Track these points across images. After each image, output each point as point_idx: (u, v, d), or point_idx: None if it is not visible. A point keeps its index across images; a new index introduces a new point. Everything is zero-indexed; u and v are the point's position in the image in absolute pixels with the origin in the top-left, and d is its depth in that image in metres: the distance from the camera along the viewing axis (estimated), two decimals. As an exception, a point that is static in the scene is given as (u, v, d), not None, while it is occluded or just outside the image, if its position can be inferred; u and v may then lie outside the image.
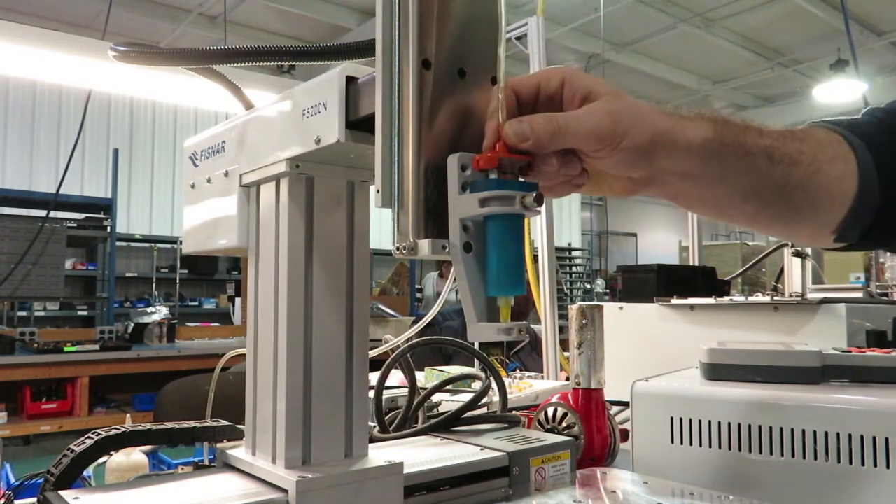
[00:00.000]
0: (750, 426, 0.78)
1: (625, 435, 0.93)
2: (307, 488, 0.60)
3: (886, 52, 8.87)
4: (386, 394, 1.00)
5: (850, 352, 0.84)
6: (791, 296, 1.47)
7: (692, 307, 1.41)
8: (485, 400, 1.00)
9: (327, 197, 0.68)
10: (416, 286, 8.47)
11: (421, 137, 0.52)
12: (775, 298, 1.35)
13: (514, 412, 1.00)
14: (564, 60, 8.77)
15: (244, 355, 0.74)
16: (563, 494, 0.73)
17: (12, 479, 1.07)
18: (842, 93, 8.47)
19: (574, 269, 12.76)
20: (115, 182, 6.57)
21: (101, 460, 0.79)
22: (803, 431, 0.74)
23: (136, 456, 1.00)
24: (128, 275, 8.69)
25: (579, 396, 0.92)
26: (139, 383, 5.02)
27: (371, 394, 0.89)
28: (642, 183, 0.60)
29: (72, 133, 7.83)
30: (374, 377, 0.92)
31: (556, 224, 2.26)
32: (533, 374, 1.89)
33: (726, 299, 1.41)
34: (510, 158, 0.52)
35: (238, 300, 7.67)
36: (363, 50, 0.60)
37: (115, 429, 0.74)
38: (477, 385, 1.18)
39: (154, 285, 8.87)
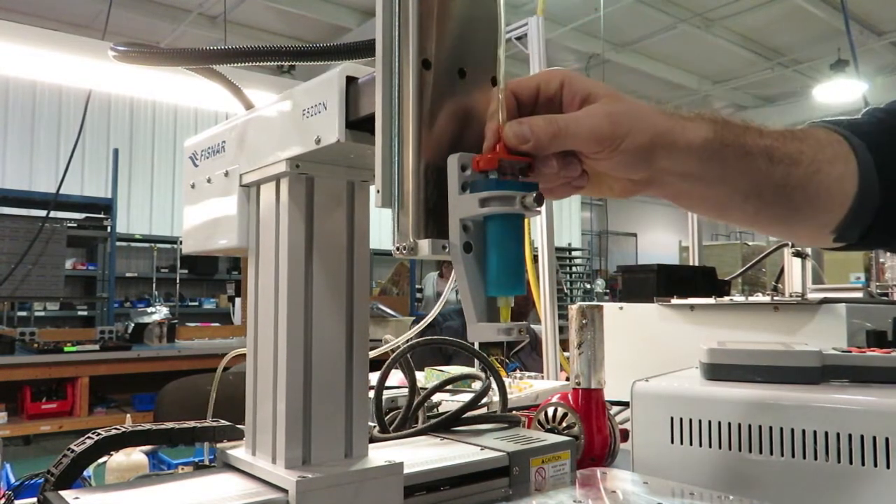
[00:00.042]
0: (750, 426, 0.78)
1: (625, 435, 0.93)
2: (307, 488, 0.60)
3: (886, 52, 8.87)
4: (386, 394, 1.00)
5: (850, 352, 0.84)
6: (791, 296, 1.47)
7: (692, 307, 1.41)
8: (485, 400, 1.00)
9: (327, 197, 0.68)
10: (416, 286, 8.47)
11: (421, 137, 0.52)
12: (775, 298, 1.35)
13: (514, 412, 1.00)
14: (564, 60, 8.78)
15: (245, 355, 0.74)
16: (563, 494, 0.73)
17: (12, 479, 1.07)
18: (842, 93, 8.47)
19: (574, 269, 12.76)
20: (115, 182, 6.57)
21: (101, 460, 0.79)
22: (803, 431, 0.74)
23: (136, 456, 1.00)
24: (128, 275, 8.69)
25: (579, 396, 0.92)
26: (139, 383, 5.02)
27: (371, 394, 0.89)
28: (642, 184, 0.60)
29: (72, 133, 7.83)
30: (374, 377, 0.92)
31: (556, 224, 2.26)
32: (533, 374, 1.89)
33: (726, 299, 1.41)
34: (510, 160, 0.52)
35: (238, 300, 7.67)
36: (363, 50, 0.60)
37: (115, 429, 0.75)
38: (477, 385, 1.18)
39: (154, 285, 8.87)
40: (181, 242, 0.91)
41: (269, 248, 0.68)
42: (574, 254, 12.75)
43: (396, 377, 1.20)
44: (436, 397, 1.06)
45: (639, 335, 1.48)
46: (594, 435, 0.91)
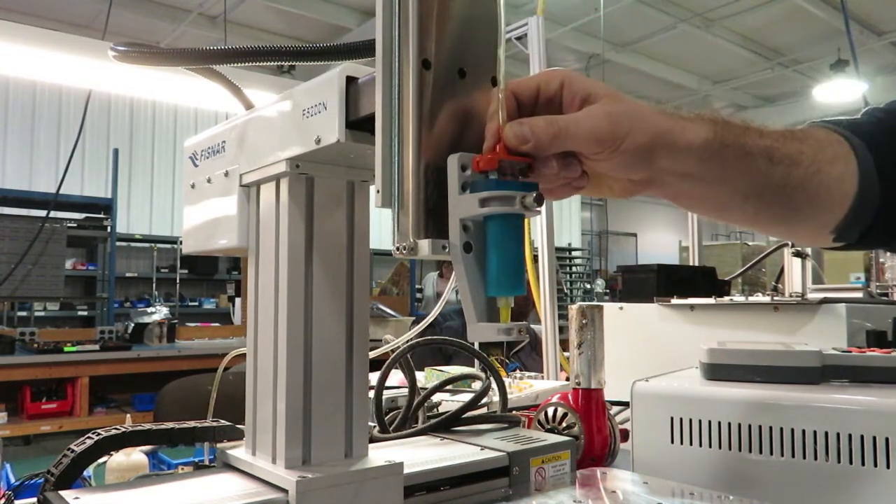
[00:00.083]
0: (750, 426, 0.78)
1: (625, 435, 0.93)
2: (307, 488, 0.60)
3: (886, 52, 8.87)
4: (386, 394, 1.00)
5: (850, 352, 0.84)
6: (791, 296, 1.47)
7: (692, 307, 1.41)
8: (485, 400, 1.00)
9: (327, 197, 0.68)
10: (416, 286, 8.47)
11: (421, 137, 0.52)
12: (775, 298, 1.35)
13: (514, 412, 1.00)
14: (564, 60, 8.78)
15: (245, 355, 0.74)
16: (563, 494, 0.73)
17: (12, 479, 1.07)
18: (842, 93, 8.47)
19: (574, 269, 12.76)
20: (115, 182, 6.57)
21: (101, 460, 0.79)
22: (803, 431, 0.74)
23: (136, 456, 1.00)
24: (128, 275, 8.69)
25: (579, 396, 0.92)
26: (139, 383, 5.02)
27: (371, 394, 0.89)
28: (642, 184, 0.60)
29: (72, 133, 7.83)
30: (374, 377, 0.92)
31: (556, 224, 2.26)
32: (533, 374, 1.89)
33: (726, 299, 1.41)
34: (510, 160, 0.52)
35: (238, 300, 7.67)
36: (363, 50, 0.60)
37: (115, 429, 0.75)
38: (477, 385, 1.18)
39: (154, 285, 8.86)
40: (181, 242, 0.91)
41: (269, 248, 0.68)
42: (574, 254, 12.75)
43: (396, 377, 1.20)
44: (436, 397, 1.06)
45: (639, 335, 1.48)
46: (594, 435, 0.91)
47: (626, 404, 0.91)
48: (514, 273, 0.52)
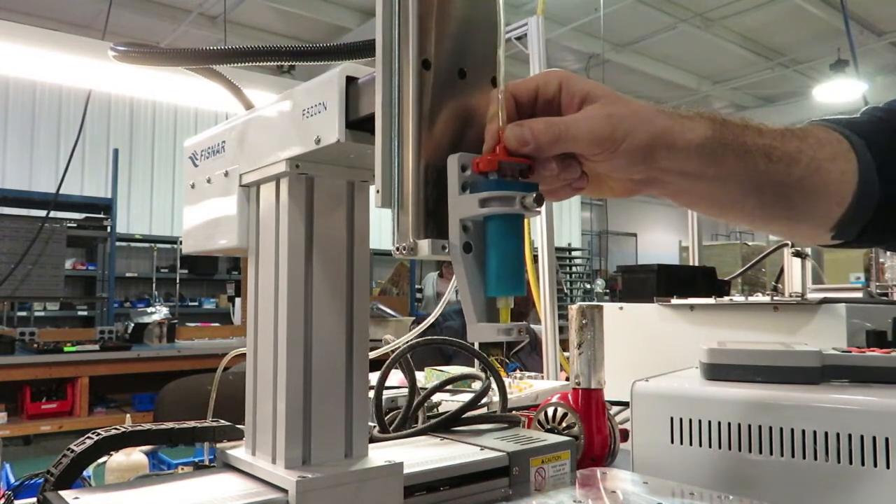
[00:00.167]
0: (750, 426, 0.78)
1: (625, 435, 0.93)
2: (307, 488, 0.60)
3: (886, 52, 8.87)
4: (386, 394, 1.00)
5: (850, 352, 0.84)
6: (791, 296, 1.47)
7: (692, 307, 1.41)
8: (485, 400, 1.00)
9: (327, 197, 0.68)
10: (416, 286, 8.46)
11: (421, 137, 0.52)
12: (775, 298, 1.35)
13: (514, 412, 1.00)
14: (564, 60, 8.78)
15: (245, 355, 0.74)
16: (563, 494, 0.73)
17: (12, 479, 1.07)
18: (842, 93, 8.46)
19: (574, 269, 12.75)
20: (115, 182, 6.57)
21: (101, 460, 0.79)
22: (803, 431, 0.74)
23: (136, 456, 1.00)
24: (128, 275, 8.69)
25: (579, 396, 0.92)
26: (139, 383, 5.02)
27: (371, 394, 0.89)
28: (643, 183, 0.60)
29: (72, 133, 7.83)
30: (374, 377, 0.92)
31: (556, 224, 2.26)
32: (533, 374, 1.89)
33: (726, 299, 1.41)
34: (510, 162, 0.52)
35: (238, 300, 7.66)
36: (363, 50, 0.60)
37: (115, 429, 0.75)
38: (477, 385, 1.18)
39: (154, 285, 8.86)
40: (181, 242, 0.91)
41: (269, 248, 0.68)
42: (574, 254, 12.75)
43: (396, 377, 1.20)
44: (436, 397, 1.06)
45: (639, 335, 1.48)
46: (594, 435, 0.91)
47: (626, 404, 0.91)
48: (514, 273, 0.52)
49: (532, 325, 2.31)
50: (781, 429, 0.76)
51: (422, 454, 0.76)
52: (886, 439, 0.69)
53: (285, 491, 0.61)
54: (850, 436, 0.71)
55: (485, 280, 0.53)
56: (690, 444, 0.82)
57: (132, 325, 5.47)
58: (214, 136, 0.77)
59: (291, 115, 0.64)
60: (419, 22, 0.52)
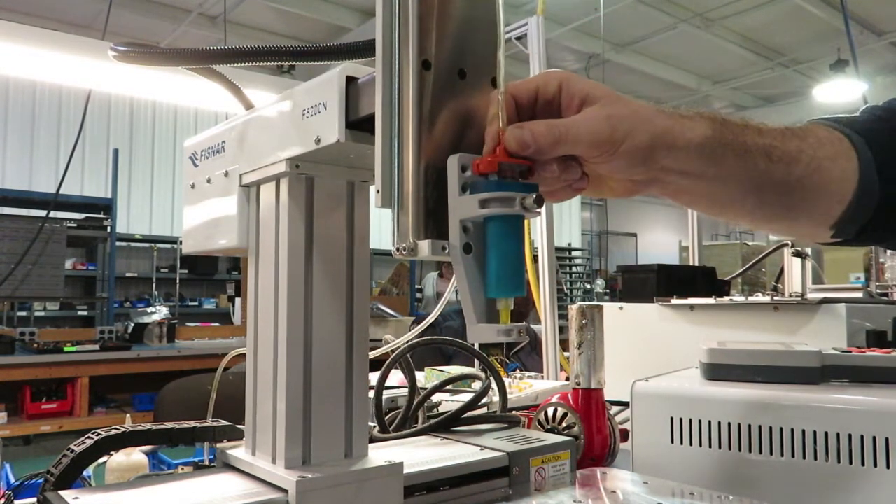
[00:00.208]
0: (750, 426, 0.78)
1: (625, 435, 0.93)
2: (307, 488, 0.60)
3: (886, 52, 8.87)
4: (386, 394, 1.00)
5: (850, 352, 0.84)
6: (791, 296, 1.47)
7: (692, 307, 1.41)
8: (485, 400, 1.00)
9: (327, 197, 0.68)
10: (416, 286, 8.46)
11: (421, 138, 0.52)
12: (775, 298, 1.35)
13: (514, 412, 1.00)
14: (564, 60, 8.78)
15: (245, 355, 0.74)
16: (563, 494, 0.73)
17: (12, 479, 1.07)
18: (842, 93, 8.46)
19: (574, 269, 12.75)
20: (115, 182, 6.56)
21: (101, 460, 0.79)
22: (803, 431, 0.74)
23: (136, 456, 1.00)
24: (128, 275, 8.69)
25: (579, 396, 0.92)
26: (139, 383, 5.02)
27: (371, 394, 0.89)
28: (643, 183, 0.60)
29: (72, 133, 7.82)
30: (374, 377, 0.92)
31: (556, 224, 2.26)
32: (533, 374, 1.89)
33: (726, 299, 1.41)
34: (510, 163, 0.52)
35: (238, 300, 7.66)
36: (363, 50, 0.60)
37: (115, 429, 0.75)
38: (477, 385, 1.18)
39: (154, 285, 8.86)
40: (181, 242, 0.91)
41: (269, 248, 0.68)
42: (574, 254, 12.75)
43: (396, 377, 1.20)
44: (436, 397, 1.06)
45: (639, 335, 1.48)
46: (594, 435, 0.91)
47: (626, 404, 0.91)
48: (514, 274, 0.52)
49: (532, 325, 2.32)
50: (781, 429, 0.76)
51: (422, 454, 0.76)
52: (886, 439, 0.69)
53: (285, 491, 0.61)
54: (850, 436, 0.71)
55: (485, 281, 0.53)
56: (690, 444, 0.82)
57: (132, 325, 5.47)
58: (214, 136, 0.77)
59: (291, 115, 0.64)
60: (419, 22, 0.52)
